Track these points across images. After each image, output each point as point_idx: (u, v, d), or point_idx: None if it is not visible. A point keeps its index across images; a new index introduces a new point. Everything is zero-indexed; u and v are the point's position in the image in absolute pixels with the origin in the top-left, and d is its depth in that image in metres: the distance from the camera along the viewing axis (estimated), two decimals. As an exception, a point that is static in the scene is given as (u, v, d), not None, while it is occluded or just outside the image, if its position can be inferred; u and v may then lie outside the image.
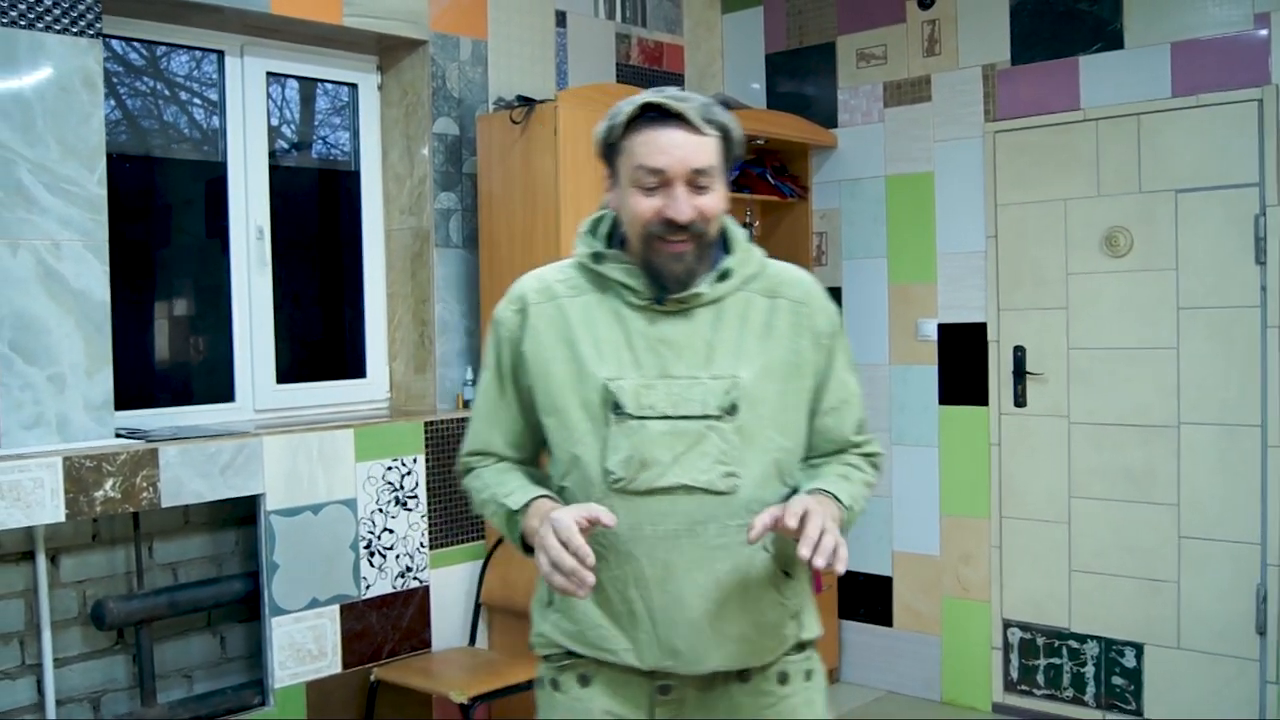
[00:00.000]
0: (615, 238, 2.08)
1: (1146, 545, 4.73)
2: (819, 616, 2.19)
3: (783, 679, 2.09)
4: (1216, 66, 4.48)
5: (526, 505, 2.00)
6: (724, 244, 2.09)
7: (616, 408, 1.98)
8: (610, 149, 2.01)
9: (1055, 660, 4.98)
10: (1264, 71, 4.36)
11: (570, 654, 2.09)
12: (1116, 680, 4.82)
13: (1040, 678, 5.02)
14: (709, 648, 1.99)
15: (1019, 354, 5.01)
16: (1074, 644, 4.93)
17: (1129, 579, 4.78)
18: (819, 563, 1.76)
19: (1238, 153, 4.45)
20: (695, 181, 1.93)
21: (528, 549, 2.00)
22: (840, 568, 1.79)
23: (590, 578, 1.78)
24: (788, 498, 1.98)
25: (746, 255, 2.08)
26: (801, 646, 2.12)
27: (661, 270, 1.97)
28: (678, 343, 1.99)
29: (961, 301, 5.15)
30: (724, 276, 2.02)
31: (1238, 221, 4.47)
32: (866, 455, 2.16)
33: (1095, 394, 4.85)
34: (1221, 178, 4.50)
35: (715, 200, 1.97)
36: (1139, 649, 4.77)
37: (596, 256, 2.05)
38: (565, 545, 1.79)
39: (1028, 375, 5.00)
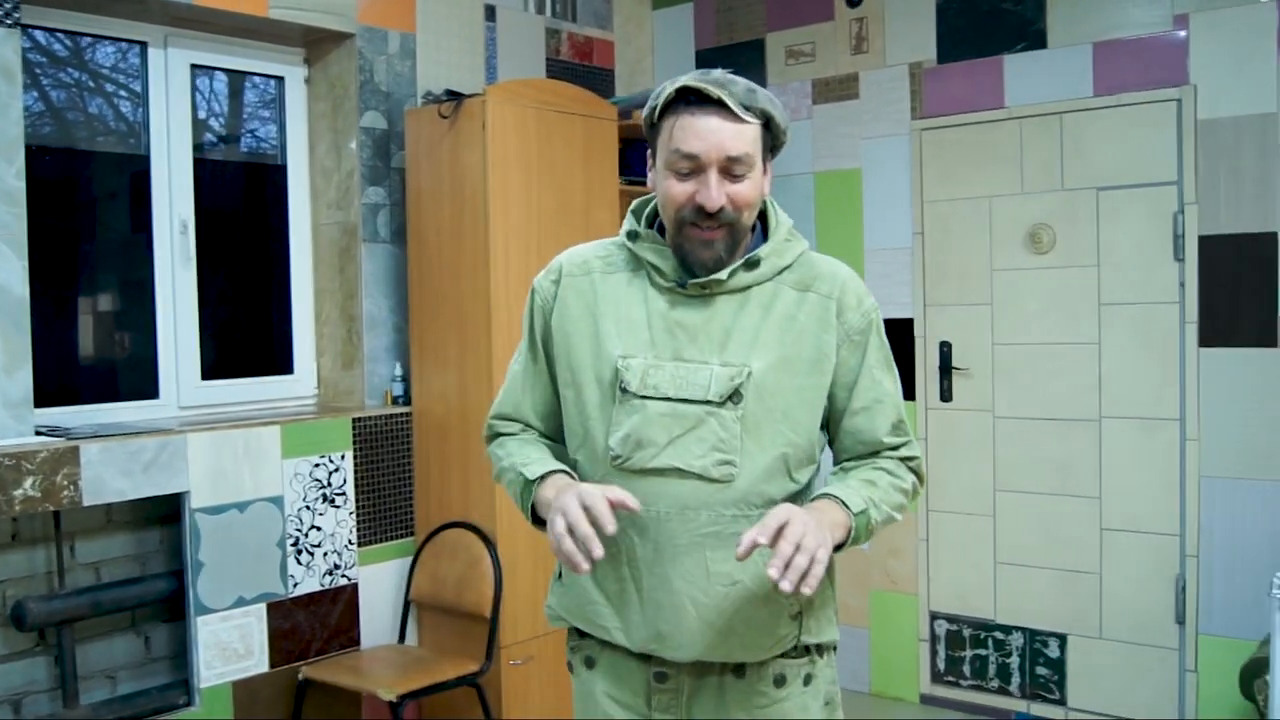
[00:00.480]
0: (657, 218, 2.08)
1: (1069, 537, 4.80)
2: (835, 622, 2.13)
3: (779, 681, 2.05)
4: (1137, 66, 4.54)
5: (544, 477, 2.01)
6: (764, 230, 2.08)
7: (623, 386, 1.99)
8: (651, 129, 1.98)
9: (981, 651, 5.03)
10: (1182, 72, 4.42)
11: (579, 633, 2.16)
12: (1041, 670, 4.88)
13: (967, 669, 5.07)
14: (694, 636, 1.98)
15: (945, 349, 5.06)
16: (999, 635, 4.98)
17: (1052, 571, 4.84)
18: (785, 586, 1.70)
19: (1157, 151, 4.51)
20: (730, 169, 1.90)
21: (538, 521, 2.02)
22: (807, 590, 1.72)
23: (599, 549, 1.77)
24: (796, 496, 2.01)
25: (781, 246, 2.04)
26: (805, 650, 2.07)
27: (691, 255, 1.97)
28: (694, 327, 1.99)
29: (888, 297, 5.16)
30: (751, 265, 2.00)
31: (1157, 219, 4.53)
32: (904, 459, 2.09)
33: (1019, 389, 4.90)
34: (1141, 176, 4.55)
35: (750, 188, 1.94)
36: (1062, 640, 4.83)
37: (632, 235, 2.07)
38: (588, 511, 1.80)
39: (954, 370, 5.04)
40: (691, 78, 1.90)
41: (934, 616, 5.16)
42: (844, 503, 1.92)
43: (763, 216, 2.09)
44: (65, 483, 3.54)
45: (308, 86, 4.65)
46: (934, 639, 5.16)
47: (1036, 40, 4.76)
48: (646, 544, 1.98)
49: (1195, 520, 4.48)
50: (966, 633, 5.07)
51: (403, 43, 4.67)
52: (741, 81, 1.92)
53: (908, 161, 5.15)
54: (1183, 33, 4.42)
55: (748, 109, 1.89)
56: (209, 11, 4.07)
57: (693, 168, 1.90)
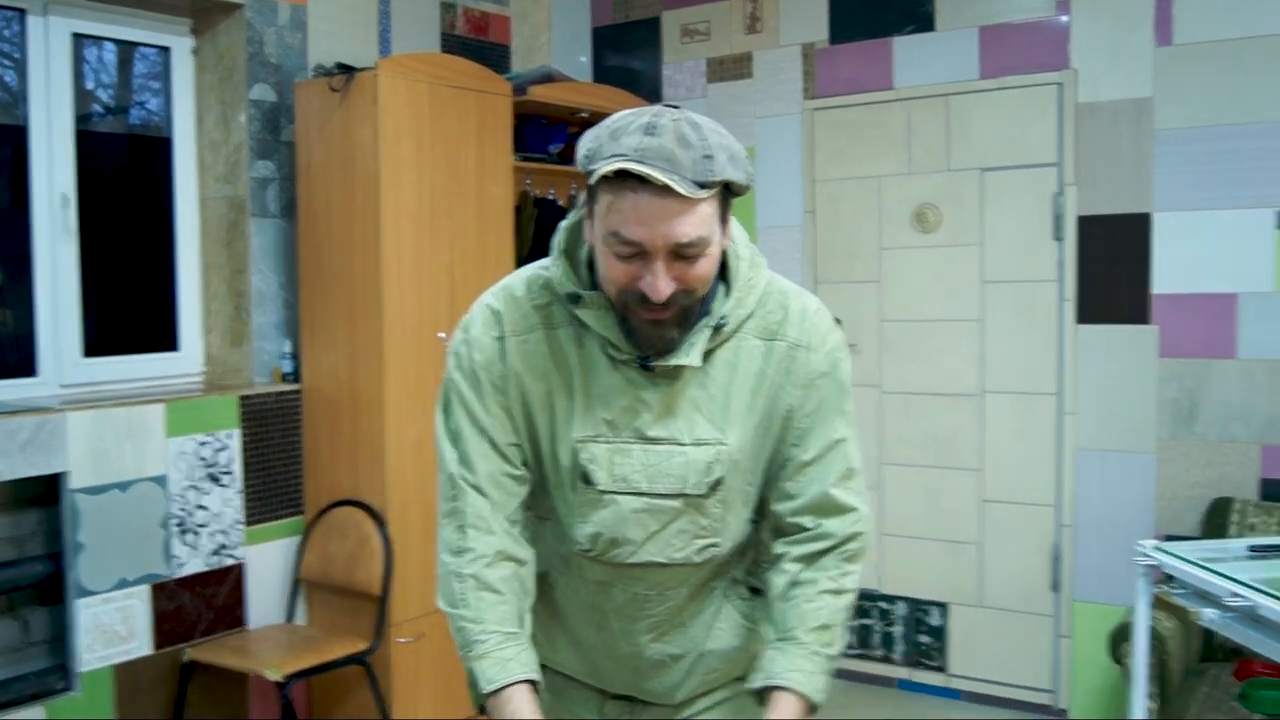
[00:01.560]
0: (592, 266, 1.76)
1: (951, 509, 4.91)
2: None
3: (734, 681, 1.99)
4: (1021, 50, 4.63)
5: (498, 689, 1.73)
6: (724, 271, 1.79)
7: (585, 479, 1.78)
8: (586, 175, 1.64)
9: (866, 621, 5.13)
10: (1064, 56, 4.52)
11: None
12: (923, 638, 4.99)
13: (853, 638, 5.14)
14: (675, 688, 1.93)
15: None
16: (884, 605, 5.09)
17: (935, 542, 4.95)
18: None
19: (1038, 134, 4.61)
20: (680, 252, 1.61)
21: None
22: None
23: None
24: (753, 524, 1.87)
25: (743, 294, 1.76)
26: None
27: (637, 334, 1.69)
28: (659, 402, 1.75)
29: (780, 274, 5.12)
30: (717, 329, 1.74)
31: (1037, 200, 4.64)
32: (846, 544, 1.81)
33: (905, 364, 4.99)
34: (1023, 157, 4.66)
35: (706, 265, 1.65)
36: (944, 608, 4.94)
37: (575, 298, 1.74)
38: None
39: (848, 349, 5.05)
40: (632, 149, 1.55)
41: None
42: (806, 697, 1.72)
43: (724, 258, 1.78)
44: None
45: (195, 58, 4.52)
46: None
47: (925, 23, 4.85)
48: (622, 619, 1.88)
49: (1070, 491, 4.62)
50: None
51: (293, 14, 4.57)
52: (696, 144, 1.57)
53: (799, 141, 5.22)
54: (1065, 18, 4.55)
55: (704, 185, 1.57)
56: None
57: (634, 253, 1.61)
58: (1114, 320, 4.47)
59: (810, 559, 1.80)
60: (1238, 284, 4.23)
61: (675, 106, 1.66)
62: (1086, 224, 4.51)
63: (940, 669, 4.95)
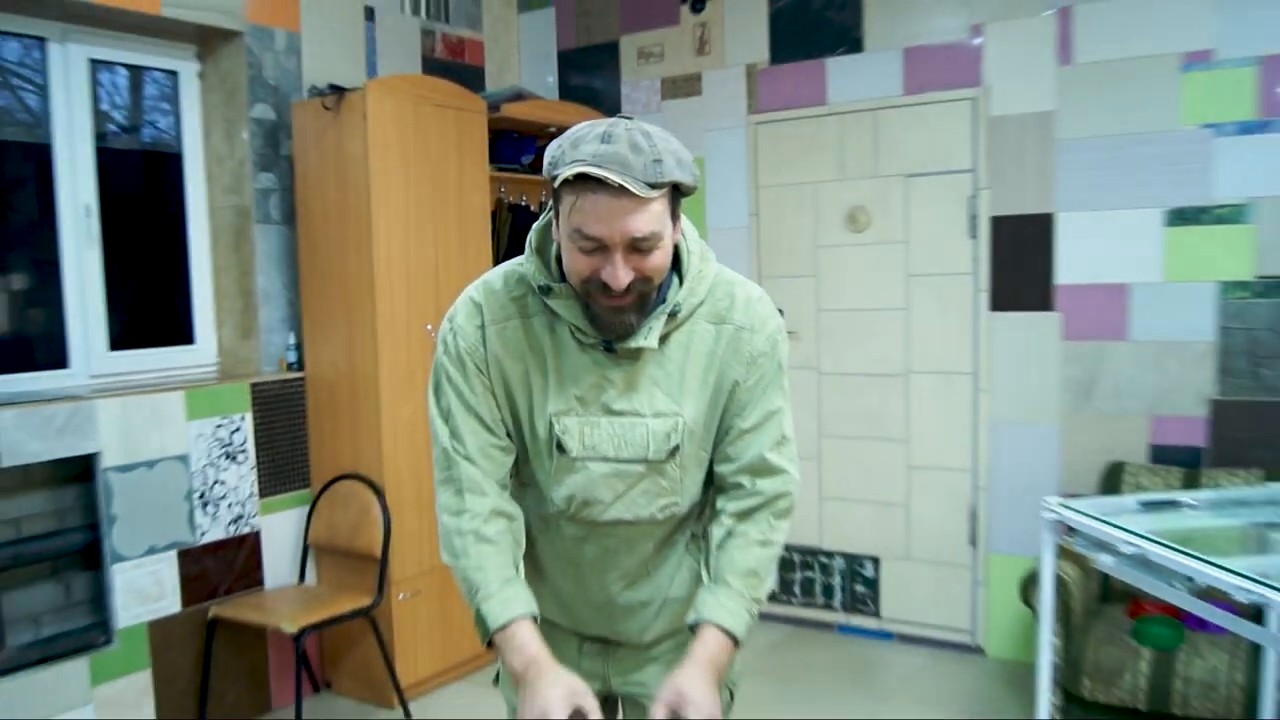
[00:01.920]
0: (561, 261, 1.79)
1: (882, 475, 4.98)
2: None
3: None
4: (939, 69, 4.67)
5: (504, 625, 1.79)
6: (677, 263, 1.82)
7: (560, 448, 1.84)
8: (551, 181, 1.69)
9: (809, 574, 5.21)
10: (977, 74, 4.58)
11: None
12: (859, 588, 5.08)
13: (797, 588, 5.25)
14: (644, 631, 1.98)
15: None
16: (824, 559, 5.16)
17: (868, 503, 5.03)
18: None
19: (956, 143, 4.66)
20: (636, 246, 1.66)
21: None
22: None
23: None
24: (708, 485, 1.93)
25: (694, 283, 1.81)
26: None
27: (600, 320, 1.74)
28: (622, 380, 1.81)
29: (728, 267, 5.25)
30: (671, 315, 1.79)
31: (955, 202, 4.68)
32: (776, 502, 1.87)
33: (840, 349, 5.03)
34: (942, 164, 4.70)
35: (660, 257, 1.69)
36: (876, 561, 5.03)
37: (546, 289, 1.79)
38: None
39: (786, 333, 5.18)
40: (591, 154, 1.60)
41: None
42: (731, 632, 1.77)
43: (676, 251, 1.82)
44: None
45: (201, 80, 4.53)
46: None
47: (855, 45, 4.86)
48: (595, 570, 1.93)
49: (985, 458, 4.68)
50: (796, 558, 5.24)
51: (289, 40, 4.58)
52: (646, 150, 1.62)
53: (744, 151, 5.21)
54: (978, 41, 4.57)
55: (653, 185, 1.62)
56: (105, 9, 3.95)
57: (595, 247, 1.65)
58: (1022, 308, 4.53)
59: (744, 514, 1.85)
60: (1130, 275, 4.29)
61: (629, 118, 1.70)
62: (998, 223, 4.56)
63: (874, 614, 5.03)
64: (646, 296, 1.74)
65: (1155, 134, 4.22)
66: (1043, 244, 4.49)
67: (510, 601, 1.80)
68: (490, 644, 1.82)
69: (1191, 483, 4.05)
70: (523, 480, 1.95)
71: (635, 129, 1.66)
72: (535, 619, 1.82)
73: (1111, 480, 4.21)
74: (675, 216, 1.74)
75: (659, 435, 1.81)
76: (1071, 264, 4.45)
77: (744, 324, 1.83)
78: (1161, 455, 4.29)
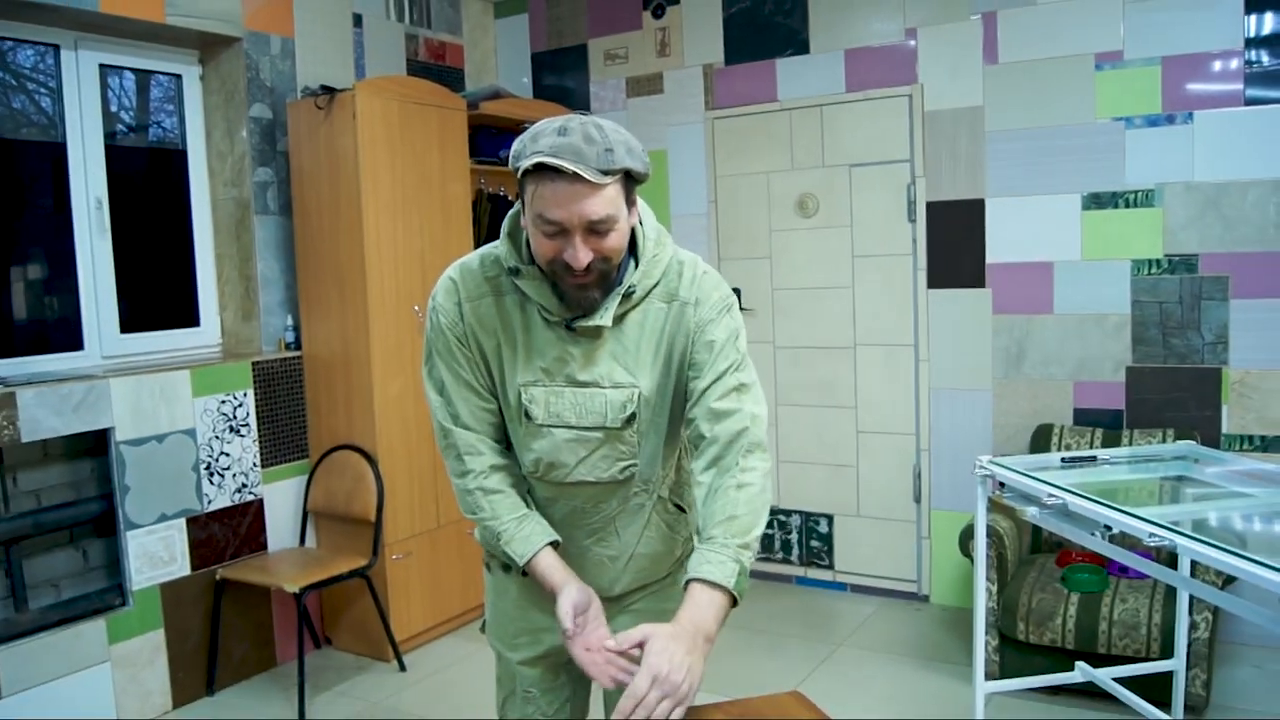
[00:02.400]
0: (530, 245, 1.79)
1: (833, 439, 5.00)
2: None
3: (671, 578, 2.04)
4: (879, 69, 4.69)
5: (528, 561, 1.84)
6: (633, 247, 1.83)
7: (527, 415, 1.86)
8: (519, 181, 1.71)
9: (769, 531, 5.20)
10: (913, 73, 4.60)
11: None
12: (814, 543, 5.11)
13: (759, 546, 5.29)
14: (614, 581, 1.98)
15: (736, 294, 5.17)
16: (782, 518, 5.18)
17: (821, 465, 5.05)
18: None
19: (894, 136, 4.67)
20: (594, 228, 1.66)
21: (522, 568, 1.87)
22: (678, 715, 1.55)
23: (607, 681, 1.70)
24: (670, 449, 1.93)
25: (649, 266, 1.81)
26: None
27: (567, 297, 1.76)
28: (583, 354, 1.82)
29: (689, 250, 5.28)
30: (627, 297, 1.80)
31: (894, 189, 4.70)
32: (739, 440, 1.78)
33: (793, 324, 5.05)
34: (883, 155, 4.71)
35: (616, 239, 1.70)
36: (830, 519, 5.05)
37: (515, 270, 1.81)
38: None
39: (743, 311, 5.15)
40: (548, 146, 1.62)
41: None
42: (718, 585, 1.66)
43: (633, 236, 1.82)
44: (5, 423, 3.46)
45: (202, 83, 4.51)
46: None
47: (801, 47, 4.87)
48: (566, 527, 1.94)
49: (926, 422, 4.72)
50: (756, 517, 5.29)
51: (283, 45, 4.56)
52: (598, 141, 1.63)
53: (703, 144, 5.20)
54: (913, 42, 4.58)
55: (605, 172, 1.63)
56: (113, 18, 3.92)
57: (557, 231, 1.67)
58: (957, 285, 4.56)
59: (713, 462, 1.78)
60: (1053, 254, 4.33)
61: (585, 113, 1.72)
62: (934, 208, 4.58)
63: (829, 567, 5.06)
64: (607, 274, 1.75)
65: (1072, 127, 4.26)
66: (974, 227, 4.52)
67: (529, 537, 1.85)
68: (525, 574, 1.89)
69: (1112, 442, 4.11)
70: (507, 443, 1.97)
71: (589, 123, 1.67)
72: (555, 544, 1.87)
73: (1040, 440, 4.24)
74: (630, 202, 1.74)
75: (616, 405, 1.83)
76: (1000, 245, 4.47)
77: (688, 299, 1.83)
78: (1084, 418, 4.33)
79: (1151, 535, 2.15)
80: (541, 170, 1.63)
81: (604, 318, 1.78)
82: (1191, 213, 4.07)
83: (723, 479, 1.76)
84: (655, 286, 1.83)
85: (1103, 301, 4.27)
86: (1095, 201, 4.24)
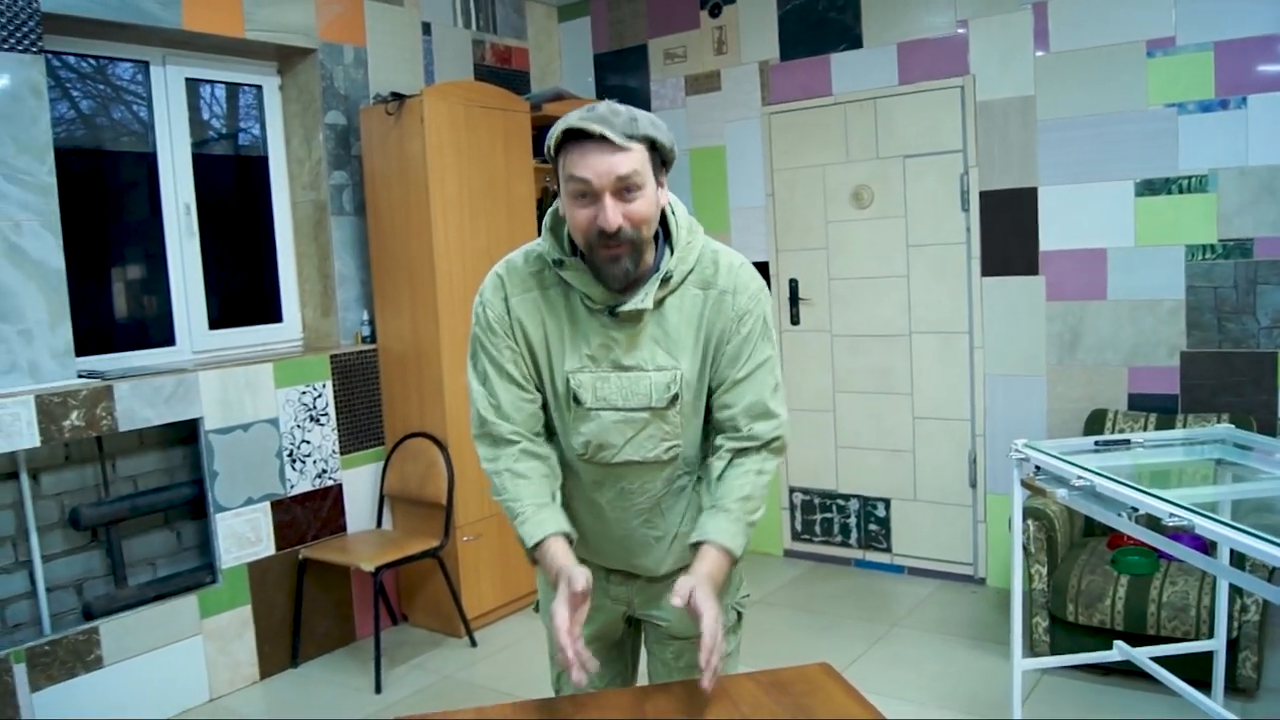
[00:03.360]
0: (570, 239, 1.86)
1: (890, 425, 5.00)
2: None
3: None
4: (931, 61, 4.67)
5: (540, 542, 1.85)
6: (667, 234, 1.89)
7: (576, 400, 1.89)
8: (554, 162, 1.78)
9: (828, 515, 5.25)
10: (965, 64, 4.57)
11: None
12: (872, 527, 5.13)
13: (818, 528, 5.30)
14: (659, 563, 2.02)
15: (793, 284, 5.20)
16: (840, 502, 5.21)
17: (878, 451, 5.06)
18: (705, 684, 1.65)
19: (947, 127, 4.65)
20: (622, 191, 1.71)
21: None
22: (705, 685, 1.66)
23: (576, 680, 1.65)
24: (707, 432, 1.97)
25: (684, 253, 1.87)
26: None
27: (603, 271, 1.79)
28: (626, 340, 1.86)
29: (749, 245, 5.29)
30: (664, 282, 1.84)
31: (948, 179, 4.68)
32: (771, 444, 1.92)
33: (850, 312, 5.05)
34: (936, 146, 4.69)
35: (644, 205, 1.75)
36: (887, 503, 5.07)
37: (559, 262, 1.86)
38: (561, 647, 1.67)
39: (800, 300, 5.19)
40: (577, 117, 1.71)
41: (792, 490, 5.36)
42: (729, 549, 1.81)
43: (666, 220, 1.89)
44: (104, 414, 3.61)
45: (281, 92, 4.63)
46: (793, 507, 5.36)
47: (855, 42, 4.87)
48: (614, 509, 1.97)
49: (981, 408, 4.70)
50: (816, 501, 5.29)
51: (356, 55, 4.66)
52: (624, 113, 1.72)
53: (760, 139, 5.22)
54: (964, 33, 4.55)
55: (630, 136, 1.70)
56: (198, 35, 4.07)
57: (587, 190, 1.71)
58: (1010, 273, 4.53)
59: (742, 451, 1.90)
60: (1106, 241, 4.27)
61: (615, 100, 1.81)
62: (987, 197, 4.55)
63: (886, 550, 5.07)
64: (637, 245, 1.77)
65: (1125, 114, 4.20)
66: (1027, 215, 4.49)
67: (544, 522, 1.85)
68: (534, 564, 1.89)
69: (1165, 427, 4.02)
70: (550, 431, 1.99)
71: (614, 102, 1.76)
72: (569, 538, 1.85)
73: (1094, 426, 4.18)
74: (658, 179, 1.80)
75: (660, 386, 1.87)
76: (1053, 232, 4.43)
77: (726, 287, 1.88)
78: (1138, 403, 4.28)
79: (1171, 515, 2.16)
80: (571, 139, 1.71)
81: (645, 301, 1.82)
82: (1246, 197, 3.99)
83: (744, 461, 1.89)
84: (690, 273, 1.88)
85: (1157, 287, 4.21)
86: (1148, 188, 4.18)
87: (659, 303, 1.86)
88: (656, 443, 1.90)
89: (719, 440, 1.94)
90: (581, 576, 1.72)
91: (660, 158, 1.79)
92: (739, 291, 1.89)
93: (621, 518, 1.99)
